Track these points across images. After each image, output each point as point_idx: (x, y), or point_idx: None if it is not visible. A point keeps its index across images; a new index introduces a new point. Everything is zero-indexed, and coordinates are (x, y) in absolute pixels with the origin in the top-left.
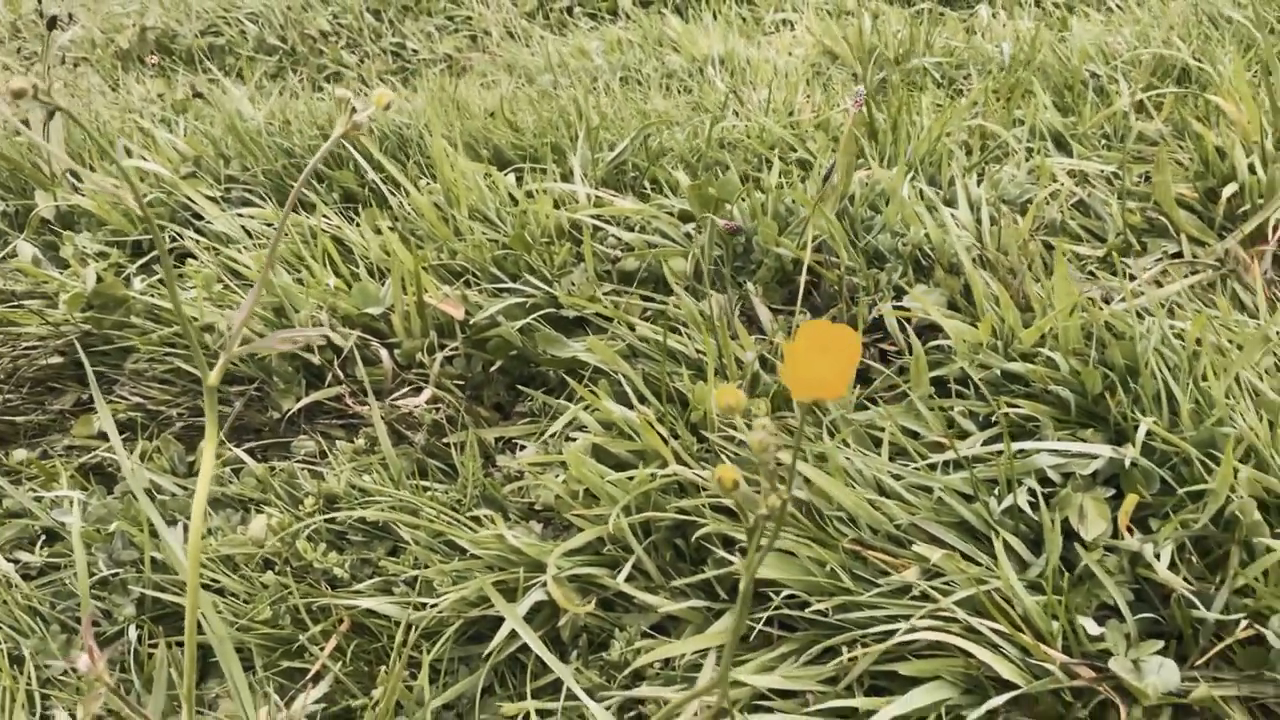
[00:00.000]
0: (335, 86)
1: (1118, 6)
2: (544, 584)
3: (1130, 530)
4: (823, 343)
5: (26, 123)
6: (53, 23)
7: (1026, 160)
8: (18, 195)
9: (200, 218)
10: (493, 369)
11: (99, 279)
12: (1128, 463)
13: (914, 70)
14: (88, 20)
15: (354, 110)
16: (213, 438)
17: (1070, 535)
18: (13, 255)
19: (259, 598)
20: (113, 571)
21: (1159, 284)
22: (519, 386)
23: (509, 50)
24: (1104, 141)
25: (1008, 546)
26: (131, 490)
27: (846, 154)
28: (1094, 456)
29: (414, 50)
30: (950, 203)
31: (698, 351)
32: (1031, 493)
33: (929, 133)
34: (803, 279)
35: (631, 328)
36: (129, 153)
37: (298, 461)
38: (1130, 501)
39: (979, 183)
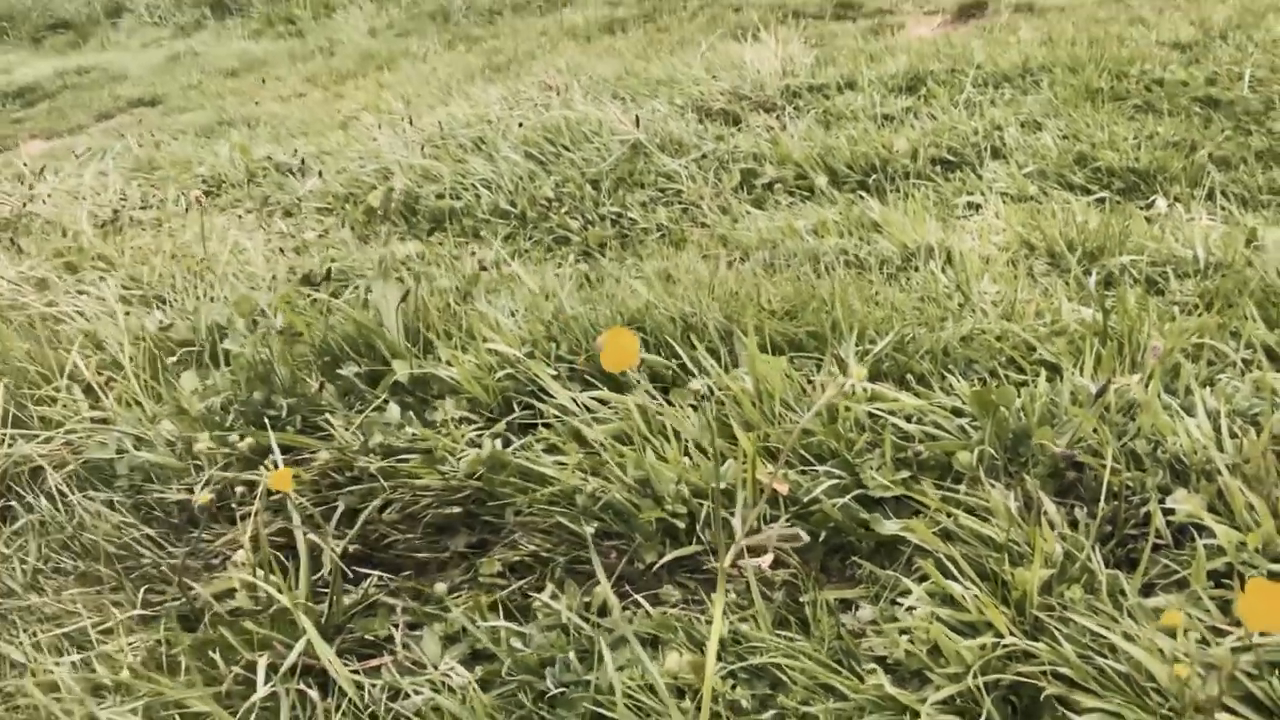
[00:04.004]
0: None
1: None
2: None
3: None
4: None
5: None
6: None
7: (1245, 372)
8: (368, 359)
9: (545, 392)
10: (818, 540)
11: (495, 447)
12: None
13: (1113, 267)
14: (324, 171)
15: (842, 383)
16: (720, 598)
17: None
18: (380, 410)
19: None
20: (559, 690)
21: None
22: (839, 555)
23: (721, 224)
24: None
25: None
26: (555, 626)
27: (1109, 372)
28: None
29: (631, 219)
30: (1189, 410)
31: (1009, 540)
32: None
33: (1166, 344)
34: (1104, 486)
35: (949, 514)
36: (472, 333)
37: (672, 608)
38: None
39: (1210, 393)
